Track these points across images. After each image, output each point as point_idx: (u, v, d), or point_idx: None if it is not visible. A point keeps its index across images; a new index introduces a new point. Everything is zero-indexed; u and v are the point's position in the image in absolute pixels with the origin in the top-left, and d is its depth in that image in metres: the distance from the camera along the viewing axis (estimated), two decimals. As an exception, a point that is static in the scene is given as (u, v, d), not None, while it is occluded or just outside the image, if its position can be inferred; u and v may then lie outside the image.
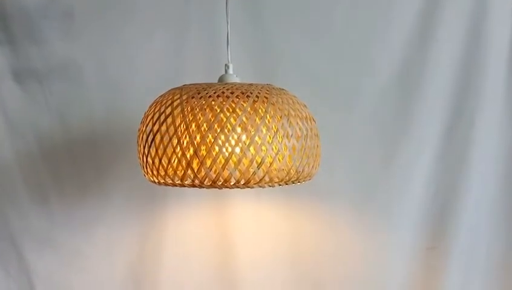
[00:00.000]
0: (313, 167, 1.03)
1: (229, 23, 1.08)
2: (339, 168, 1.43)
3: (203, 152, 0.94)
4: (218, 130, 0.92)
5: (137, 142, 1.04)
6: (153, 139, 0.97)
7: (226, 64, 1.10)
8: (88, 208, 1.44)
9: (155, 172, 0.98)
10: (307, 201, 1.43)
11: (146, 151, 0.99)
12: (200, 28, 1.42)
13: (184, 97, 0.97)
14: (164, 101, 1.00)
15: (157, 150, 0.96)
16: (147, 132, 0.99)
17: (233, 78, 1.08)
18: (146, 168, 1.00)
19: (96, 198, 1.44)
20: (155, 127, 0.98)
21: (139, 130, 1.04)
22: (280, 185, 0.97)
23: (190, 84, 1.03)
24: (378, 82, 1.43)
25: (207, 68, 1.40)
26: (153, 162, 0.98)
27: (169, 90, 1.04)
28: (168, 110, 0.97)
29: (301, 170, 1.00)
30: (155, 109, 1.01)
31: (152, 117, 1.00)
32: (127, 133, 1.33)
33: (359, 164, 1.44)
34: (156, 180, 1.00)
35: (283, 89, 1.05)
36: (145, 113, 1.04)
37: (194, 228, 1.45)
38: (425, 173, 1.44)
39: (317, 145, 1.05)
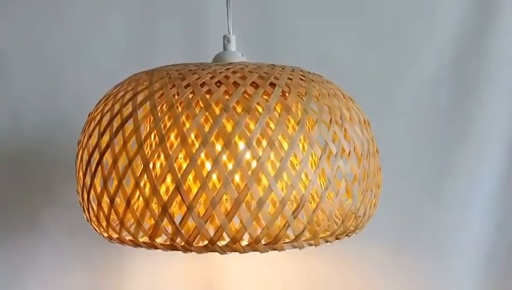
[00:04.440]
0: (374, 204, 0.62)
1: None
2: None
3: (191, 187, 0.51)
4: (220, 147, 0.50)
5: (75, 164, 0.60)
6: (99, 163, 0.54)
7: (225, 36, 0.67)
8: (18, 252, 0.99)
9: (102, 220, 0.55)
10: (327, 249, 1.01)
11: (88, 183, 0.56)
12: None
13: (157, 86, 0.54)
14: (121, 94, 0.57)
15: (105, 182, 0.53)
16: (90, 149, 0.56)
17: (238, 57, 0.66)
18: (89, 211, 0.57)
19: (29, 237, 0.99)
20: (104, 141, 0.54)
21: (78, 144, 0.60)
22: (328, 241, 0.55)
23: (167, 66, 0.60)
24: (423, 75, 1.02)
25: (189, 50, 0.97)
26: (99, 204, 0.54)
27: (132, 76, 0.61)
28: (126, 110, 0.54)
29: (362, 214, 0.58)
30: (104, 107, 0.58)
31: (99, 122, 0.56)
32: (67, 144, 0.86)
33: (397, 186, 1.01)
34: (105, 234, 0.56)
35: (320, 76, 0.63)
36: (89, 115, 0.61)
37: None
38: (487, 198, 1.03)
39: (379, 168, 0.63)
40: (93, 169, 0.54)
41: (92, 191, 0.55)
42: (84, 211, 0.58)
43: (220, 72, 0.54)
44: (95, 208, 0.55)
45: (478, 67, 1.00)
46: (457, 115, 1.01)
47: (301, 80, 0.56)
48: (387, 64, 1.01)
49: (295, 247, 0.52)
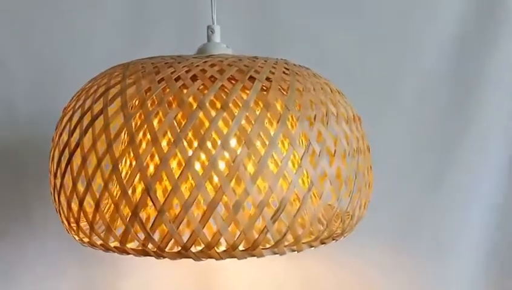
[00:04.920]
0: (364, 205, 0.58)
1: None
2: None
3: (164, 188, 0.48)
4: (195, 146, 0.46)
5: (49, 163, 0.57)
6: (68, 162, 0.51)
7: (209, 27, 0.64)
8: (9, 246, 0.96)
9: (73, 223, 0.52)
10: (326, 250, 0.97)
11: (59, 183, 0.53)
12: None
13: (130, 80, 0.51)
14: (94, 89, 0.53)
15: (74, 183, 0.50)
16: (61, 147, 0.53)
17: (222, 48, 0.62)
18: (60, 212, 0.54)
19: (21, 231, 0.96)
20: (74, 139, 0.51)
21: (52, 141, 0.57)
22: (313, 247, 0.52)
23: (144, 59, 0.57)
24: (423, 75, 0.97)
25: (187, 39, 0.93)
26: (68, 205, 0.51)
27: (108, 69, 0.58)
28: (97, 106, 0.50)
29: (350, 215, 0.54)
30: (76, 103, 0.54)
31: (70, 119, 0.53)
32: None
33: (397, 186, 0.97)
34: (76, 236, 0.53)
35: (308, 68, 0.60)
36: (63, 111, 0.58)
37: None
38: (487, 198, 0.98)
39: (370, 167, 0.60)
40: (63, 169, 0.51)
41: (62, 193, 0.52)
42: (56, 210, 0.55)
43: (197, 66, 0.51)
44: (65, 210, 0.52)
45: (478, 67, 0.96)
46: (457, 115, 0.97)
47: (284, 73, 0.53)
48: (387, 63, 0.96)
49: (275, 253, 0.49)
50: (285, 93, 0.50)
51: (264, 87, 0.50)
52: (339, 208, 0.51)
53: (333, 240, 0.54)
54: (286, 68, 0.54)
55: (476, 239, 0.96)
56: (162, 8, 0.96)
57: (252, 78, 0.50)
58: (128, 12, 0.95)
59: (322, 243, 0.52)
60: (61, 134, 0.53)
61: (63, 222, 0.54)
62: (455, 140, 0.97)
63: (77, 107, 0.53)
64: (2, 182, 0.95)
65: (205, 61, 0.52)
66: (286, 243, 0.50)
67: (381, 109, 0.95)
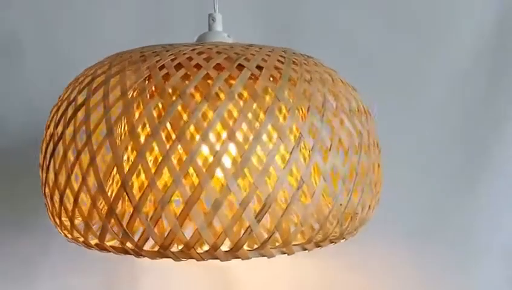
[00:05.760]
0: (369, 207, 0.53)
1: None
2: (391, 192, 0.89)
3: (141, 183, 0.45)
4: (173, 138, 0.43)
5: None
6: (52, 153, 0.49)
7: (210, 15, 0.61)
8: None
9: (56, 216, 0.50)
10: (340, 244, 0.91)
11: (45, 175, 0.51)
12: None
13: (114, 70, 0.48)
14: (81, 79, 0.51)
15: (56, 175, 0.48)
16: (48, 139, 0.51)
17: (223, 38, 0.59)
18: (46, 205, 0.52)
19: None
20: (58, 130, 0.49)
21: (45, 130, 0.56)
22: (306, 249, 0.48)
23: (136, 49, 0.54)
24: (456, 66, 0.90)
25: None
26: (51, 197, 0.49)
27: (101, 60, 0.56)
28: (81, 97, 0.48)
29: (350, 217, 0.50)
30: (64, 94, 0.53)
31: (57, 110, 0.51)
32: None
33: (422, 186, 0.91)
34: (61, 231, 0.51)
35: (310, 57, 0.55)
36: (59, 100, 0.56)
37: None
38: None
39: (378, 165, 0.55)
40: (48, 162, 0.50)
41: (46, 186, 0.50)
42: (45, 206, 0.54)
43: (184, 54, 0.48)
44: (49, 204, 0.50)
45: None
46: (490, 114, 0.90)
47: (279, 61, 0.49)
48: (417, 59, 0.91)
49: (263, 255, 0.45)
50: (278, 81, 0.46)
51: (254, 76, 0.46)
52: (334, 209, 0.47)
53: (331, 243, 0.50)
54: (282, 56, 0.50)
55: (508, 242, 0.89)
56: None
57: (241, 67, 0.46)
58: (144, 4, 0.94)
59: (318, 246, 0.48)
60: (49, 126, 0.52)
61: (49, 216, 0.52)
62: (487, 140, 0.89)
63: (65, 97, 0.51)
64: (24, 176, 0.95)
65: (193, 49, 0.49)
66: (278, 244, 0.46)
67: (410, 105, 0.90)
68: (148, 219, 0.43)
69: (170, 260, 0.45)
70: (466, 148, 0.90)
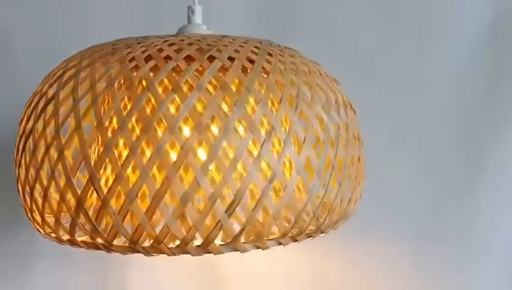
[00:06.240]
0: (350, 201, 0.52)
1: None
2: (389, 192, 0.88)
3: (108, 177, 0.45)
4: (137, 131, 0.42)
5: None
6: (23, 148, 0.48)
7: (189, 7, 0.60)
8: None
9: (28, 211, 0.49)
10: (339, 245, 0.90)
11: (17, 171, 0.50)
12: None
13: (85, 63, 0.48)
14: (54, 72, 0.51)
15: (27, 171, 0.47)
16: (20, 134, 0.51)
17: (202, 30, 0.58)
18: (20, 201, 0.52)
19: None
20: (29, 124, 0.49)
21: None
22: (281, 244, 0.47)
23: (109, 42, 0.54)
24: (456, 64, 0.89)
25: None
26: (23, 192, 0.49)
27: (74, 54, 0.55)
28: (51, 91, 0.48)
29: (326, 211, 0.49)
30: (37, 89, 0.52)
31: (29, 105, 0.51)
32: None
33: (422, 186, 0.89)
34: (34, 227, 0.51)
35: (288, 48, 0.54)
36: (33, 94, 0.56)
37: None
38: None
39: (358, 159, 0.53)
40: (20, 157, 0.49)
41: (19, 181, 0.49)
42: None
43: (155, 45, 0.47)
44: (22, 200, 0.50)
45: None
46: (491, 114, 0.88)
47: (252, 52, 0.47)
48: (417, 57, 0.89)
49: (235, 250, 0.44)
50: (248, 72, 0.45)
51: (224, 65, 0.45)
52: (309, 203, 0.46)
53: (309, 237, 0.49)
54: (256, 47, 0.49)
55: (508, 242, 0.88)
56: None
57: (212, 58, 0.45)
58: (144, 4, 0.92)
59: (294, 240, 0.47)
60: (22, 120, 0.51)
61: (24, 213, 0.52)
62: (487, 140, 0.88)
63: (37, 92, 0.51)
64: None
65: (165, 41, 0.48)
66: (251, 238, 0.45)
67: (410, 105, 0.88)
68: (116, 213, 0.42)
69: (162, 257, 0.45)
70: (466, 148, 0.88)
